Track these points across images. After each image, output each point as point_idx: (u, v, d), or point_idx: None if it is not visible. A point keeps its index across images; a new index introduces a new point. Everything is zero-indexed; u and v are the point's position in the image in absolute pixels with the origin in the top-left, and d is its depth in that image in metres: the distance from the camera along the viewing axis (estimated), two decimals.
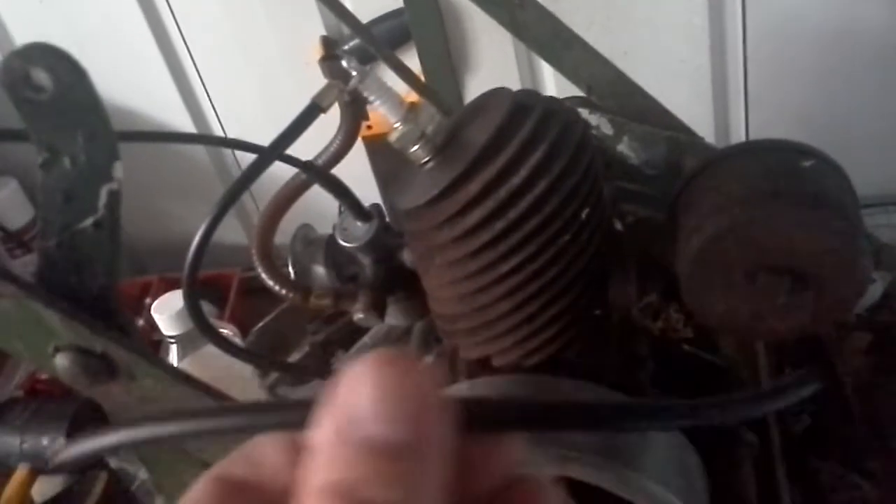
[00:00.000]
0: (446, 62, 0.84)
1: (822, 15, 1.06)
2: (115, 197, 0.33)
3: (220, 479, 0.20)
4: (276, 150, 0.46)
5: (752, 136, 1.17)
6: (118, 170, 0.33)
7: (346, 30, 1.15)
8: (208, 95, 1.26)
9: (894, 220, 1.14)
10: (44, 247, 0.33)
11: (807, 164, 0.49)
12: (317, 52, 1.15)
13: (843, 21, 1.05)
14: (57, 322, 0.32)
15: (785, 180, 0.47)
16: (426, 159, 0.50)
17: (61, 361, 0.33)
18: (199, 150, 1.31)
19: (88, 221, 0.33)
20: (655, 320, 0.68)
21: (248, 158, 1.40)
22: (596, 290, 0.51)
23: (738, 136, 1.18)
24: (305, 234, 0.62)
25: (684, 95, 1.01)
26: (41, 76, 0.32)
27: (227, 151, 1.31)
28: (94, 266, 0.33)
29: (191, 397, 0.34)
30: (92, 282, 0.33)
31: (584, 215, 0.49)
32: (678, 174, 0.72)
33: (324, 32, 1.15)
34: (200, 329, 0.50)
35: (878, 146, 1.10)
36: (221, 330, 0.98)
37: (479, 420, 0.20)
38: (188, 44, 1.21)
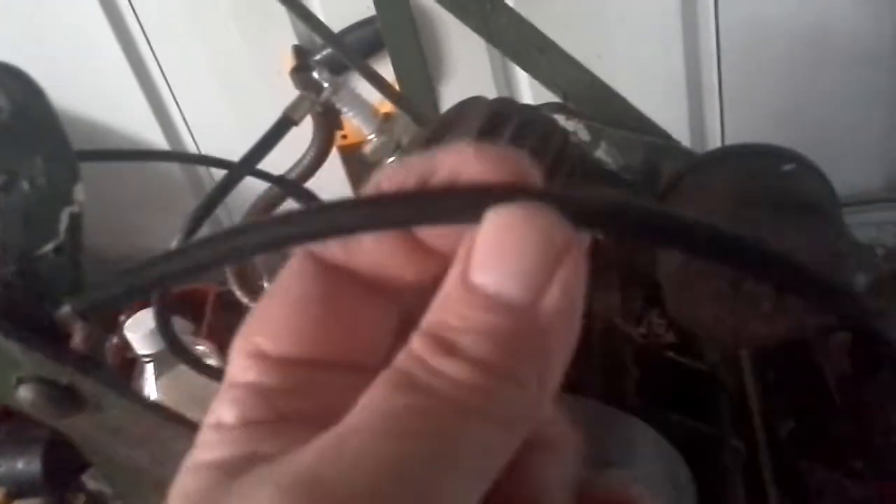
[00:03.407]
0: (422, 70, 0.83)
1: (795, 16, 1.06)
2: (76, 220, 0.32)
3: (316, 257, 0.19)
4: (247, 166, 0.44)
5: (728, 138, 1.17)
6: (79, 192, 0.32)
7: (318, 39, 1.14)
8: (178, 106, 1.24)
9: (872, 219, 1.15)
10: (2, 274, 0.32)
11: (787, 168, 0.48)
12: (289, 61, 1.14)
13: (816, 22, 1.06)
14: (18, 353, 0.31)
15: (766, 186, 0.47)
16: None
17: (24, 394, 0.31)
18: (170, 164, 1.29)
19: (49, 246, 0.32)
20: (638, 326, 0.67)
21: (222, 171, 1.39)
22: None
23: (713, 137, 1.17)
24: None
25: (659, 98, 1.00)
26: None
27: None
28: (56, 293, 0.32)
29: (163, 427, 0.32)
30: (54, 309, 0.32)
31: None
32: (656, 179, 0.71)
33: (296, 41, 1.14)
34: (172, 351, 0.48)
35: (854, 146, 1.11)
36: (198, 347, 0.96)
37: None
38: (157, 55, 1.19)
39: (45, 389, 0.31)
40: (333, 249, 0.19)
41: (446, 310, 0.17)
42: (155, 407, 0.31)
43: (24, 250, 0.31)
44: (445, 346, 0.16)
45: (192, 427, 0.33)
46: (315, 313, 0.19)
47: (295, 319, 0.19)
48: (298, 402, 0.18)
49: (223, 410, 0.18)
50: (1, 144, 0.31)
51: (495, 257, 0.16)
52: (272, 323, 0.19)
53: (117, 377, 0.41)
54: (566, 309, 0.17)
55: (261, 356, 0.19)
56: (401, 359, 0.17)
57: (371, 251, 0.19)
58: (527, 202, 0.17)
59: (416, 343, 0.17)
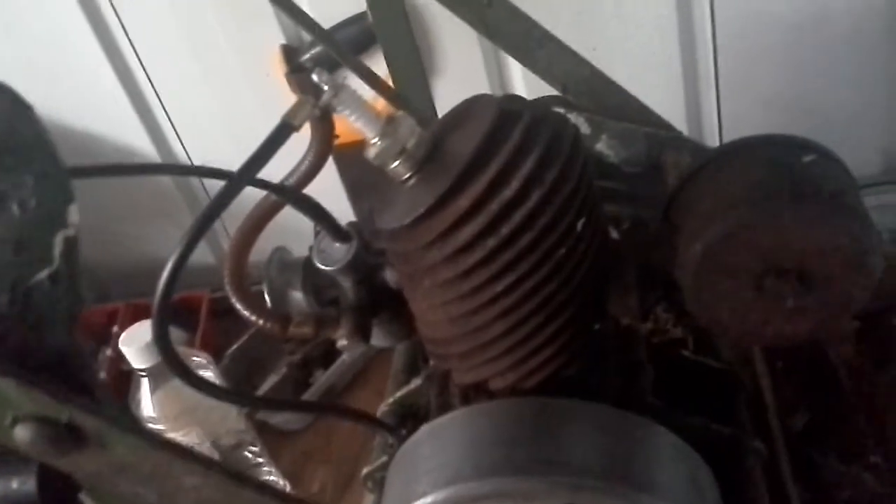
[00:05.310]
0: (417, 66, 0.80)
1: (792, 1, 1.05)
2: (71, 244, 0.30)
3: None
4: (246, 176, 0.42)
5: (725, 126, 1.16)
6: (73, 213, 0.30)
7: (306, 37, 1.11)
8: (166, 112, 1.21)
9: (871, 203, 1.13)
10: None
11: (807, 159, 0.47)
12: (277, 61, 1.12)
13: (813, 7, 1.04)
14: (12, 390, 0.28)
15: (787, 178, 0.45)
16: (408, 175, 0.47)
17: (21, 433, 0.29)
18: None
19: (43, 274, 0.29)
20: (644, 321, 0.66)
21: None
22: (595, 303, 0.49)
23: (710, 125, 1.16)
24: (281, 258, 0.58)
25: (655, 88, 0.99)
26: None
27: None
28: (52, 324, 0.30)
29: (172, 462, 0.30)
30: (50, 341, 0.29)
31: (579, 226, 0.46)
32: (658, 171, 0.70)
33: (283, 41, 1.12)
34: (173, 370, 0.46)
35: (852, 130, 1.10)
36: (194, 358, 0.94)
37: None
38: (142, 60, 1.16)
39: (43, 429, 0.29)
40: None
41: None
42: (164, 443, 0.29)
43: (16, 279, 0.29)
44: None
45: (203, 461, 0.31)
46: None
47: None
48: None
49: None
50: None
51: None
52: None
53: (123, 411, 0.39)
54: None
55: None
56: None
57: None
58: None
59: None
